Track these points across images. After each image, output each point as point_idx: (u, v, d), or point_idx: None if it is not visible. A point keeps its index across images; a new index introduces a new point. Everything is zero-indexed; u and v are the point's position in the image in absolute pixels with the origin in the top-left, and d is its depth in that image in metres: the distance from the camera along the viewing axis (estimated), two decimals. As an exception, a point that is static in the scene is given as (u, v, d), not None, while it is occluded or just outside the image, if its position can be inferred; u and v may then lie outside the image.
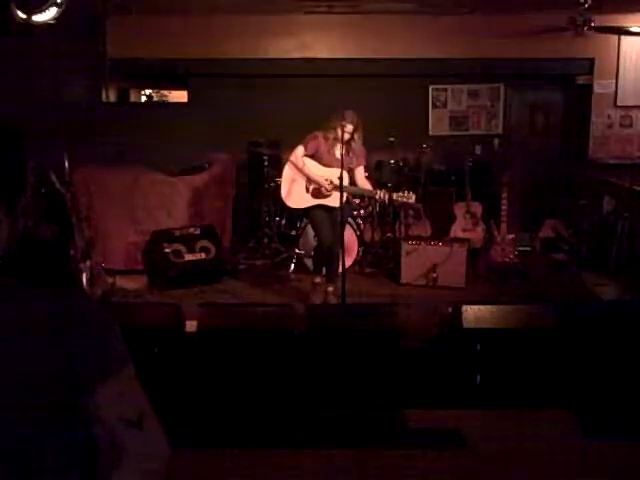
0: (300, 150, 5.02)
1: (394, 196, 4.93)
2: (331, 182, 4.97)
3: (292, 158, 5.07)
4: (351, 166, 4.96)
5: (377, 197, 5.09)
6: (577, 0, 6.04)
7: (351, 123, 4.85)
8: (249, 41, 7.27)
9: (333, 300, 5.12)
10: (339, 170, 4.84)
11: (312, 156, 5.04)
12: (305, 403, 3.65)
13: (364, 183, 5.06)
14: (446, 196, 7.06)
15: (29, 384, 1.06)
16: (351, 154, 4.95)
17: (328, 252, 5.08)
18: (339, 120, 4.86)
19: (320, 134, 5.02)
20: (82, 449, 1.17)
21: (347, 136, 4.88)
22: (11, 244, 1.18)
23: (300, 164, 5.03)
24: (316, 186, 5.04)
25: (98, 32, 7.25)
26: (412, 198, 4.94)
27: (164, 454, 1.20)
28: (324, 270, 5.23)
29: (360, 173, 5.07)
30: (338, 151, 4.96)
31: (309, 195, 5.07)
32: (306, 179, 5.06)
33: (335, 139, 4.93)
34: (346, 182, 4.86)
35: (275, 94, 7.35)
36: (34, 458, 1.09)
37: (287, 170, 5.16)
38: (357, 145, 4.96)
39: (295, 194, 5.11)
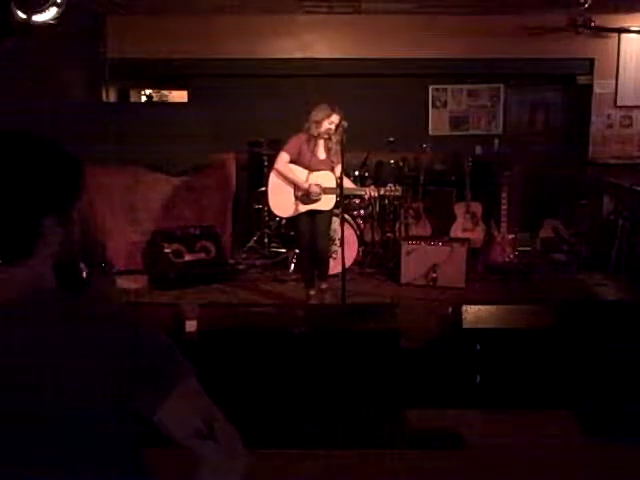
0: (285, 157, 4.84)
1: (382, 191, 4.97)
2: (320, 186, 4.86)
3: (278, 166, 4.88)
4: (332, 165, 4.81)
5: (366, 195, 5.12)
6: (577, 0, 6.04)
7: (340, 115, 4.71)
8: (249, 41, 7.26)
9: (328, 297, 5.11)
10: (325, 173, 4.82)
11: (295, 160, 4.86)
12: (305, 403, 3.65)
13: (345, 181, 4.90)
14: (446, 196, 7.06)
15: (89, 396, 1.07)
16: (332, 153, 4.79)
17: (312, 258, 5.05)
18: (326, 114, 4.72)
19: (301, 135, 4.85)
20: (131, 451, 1.17)
21: (331, 131, 4.72)
22: (66, 254, 1.17)
23: (289, 173, 4.86)
24: (304, 192, 4.88)
25: (98, 32, 7.25)
26: (399, 191, 5.02)
27: (241, 462, 1.20)
28: (314, 277, 5.18)
29: (338, 172, 4.87)
30: (320, 150, 4.87)
31: (299, 202, 4.90)
32: (294, 186, 4.90)
33: (319, 136, 4.79)
34: (334, 184, 4.81)
35: (275, 94, 7.35)
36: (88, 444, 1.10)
37: (273, 178, 4.95)
38: (336, 143, 4.76)
39: (284, 203, 4.93)
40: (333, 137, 4.76)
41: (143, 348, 1.12)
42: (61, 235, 1.13)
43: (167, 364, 1.15)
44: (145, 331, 1.15)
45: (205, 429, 1.14)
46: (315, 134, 4.80)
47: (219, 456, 1.15)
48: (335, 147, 4.79)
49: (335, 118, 4.72)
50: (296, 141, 4.86)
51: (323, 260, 5.10)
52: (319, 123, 4.74)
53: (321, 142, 4.86)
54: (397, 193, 5.05)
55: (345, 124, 4.72)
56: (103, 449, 1.12)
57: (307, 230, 4.98)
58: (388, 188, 4.98)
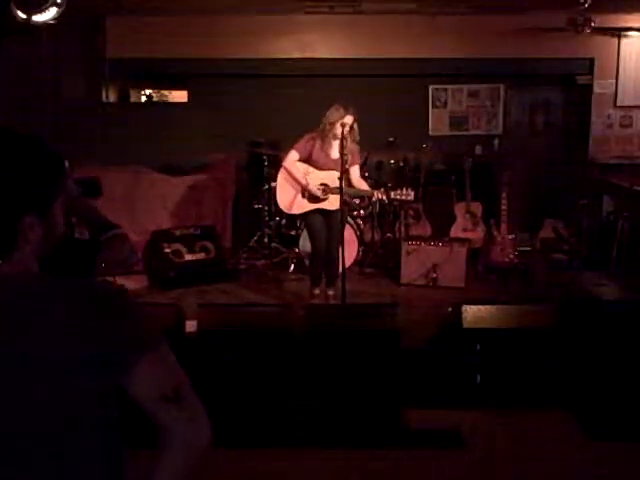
0: (294, 155, 4.83)
1: (392, 194, 4.82)
2: (327, 186, 4.84)
3: (286, 164, 4.89)
4: (346, 166, 4.69)
5: (374, 198, 5.08)
6: (577, 0, 6.04)
7: (353, 116, 4.66)
8: (249, 41, 7.26)
9: (332, 301, 5.09)
10: (335, 172, 4.70)
11: (306, 159, 4.85)
12: (305, 403, 3.65)
13: (360, 183, 4.89)
14: (446, 196, 7.06)
15: (66, 368, 1.08)
16: (346, 152, 4.65)
17: (324, 259, 5.00)
18: (340, 115, 4.65)
19: (314, 135, 4.83)
20: (113, 434, 1.19)
21: (346, 132, 4.63)
22: (48, 248, 1.18)
23: (294, 171, 4.86)
24: (307, 191, 4.88)
25: (98, 32, 7.25)
26: (411, 195, 4.81)
27: (205, 429, 1.21)
28: (322, 277, 5.14)
29: (355, 173, 4.88)
30: (333, 150, 4.79)
31: (305, 200, 4.90)
32: (301, 184, 4.89)
33: (334, 137, 4.71)
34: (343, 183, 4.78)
35: (275, 94, 7.35)
36: (68, 441, 1.12)
37: (281, 176, 4.99)
38: (352, 143, 4.73)
39: (291, 200, 4.94)
40: (348, 137, 4.66)
41: (123, 312, 1.15)
42: (43, 231, 1.14)
43: (141, 330, 1.17)
44: (127, 297, 1.20)
45: (172, 394, 1.16)
46: (329, 135, 4.75)
47: (182, 422, 1.18)
48: (351, 147, 4.72)
49: (348, 119, 4.65)
50: (307, 140, 4.83)
51: (333, 264, 5.03)
52: (333, 124, 4.67)
53: (335, 142, 4.74)
54: (409, 198, 4.83)
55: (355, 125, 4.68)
56: (87, 437, 1.13)
57: (321, 228, 4.95)
58: (399, 192, 4.81)
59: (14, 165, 1.10)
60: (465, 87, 7.81)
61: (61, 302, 1.10)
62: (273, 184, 6.18)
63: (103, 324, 1.11)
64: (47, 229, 1.15)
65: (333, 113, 4.70)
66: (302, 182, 4.87)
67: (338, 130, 4.63)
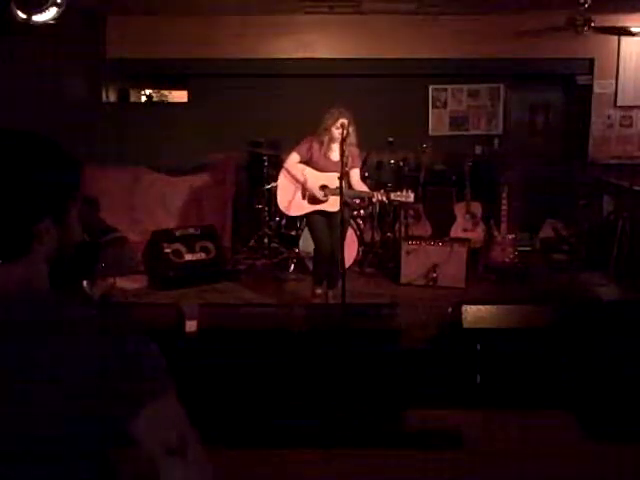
0: (295, 157, 4.88)
1: (392, 196, 4.81)
2: (327, 188, 4.86)
3: (286, 166, 4.94)
4: (346, 168, 4.70)
5: (374, 199, 5.08)
6: (577, 0, 6.04)
7: (347, 119, 4.69)
8: (249, 41, 7.27)
9: (332, 302, 5.09)
10: (335, 174, 4.70)
11: (306, 161, 4.89)
12: (305, 403, 3.65)
13: (360, 185, 4.90)
14: (446, 196, 7.06)
15: (66, 388, 1.05)
16: (346, 155, 4.66)
17: (327, 260, 5.00)
18: (334, 119, 4.71)
19: (314, 138, 4.86)
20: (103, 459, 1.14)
21: (343, 134, 4.64)
22: (62, 252, 1.17)
23: (295, 172, 4.90)
24: (308, 192, 4.91)
25: (98, 32, 7.25)
26: (411, 197, 4.81)
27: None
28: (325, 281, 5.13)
29: (355, 175, 4.90)
30: (333, 153, 4.82)
31: (306, 201, 4.93)
32: (302, 186, 4.93)
33: (330, 140, 4.78)
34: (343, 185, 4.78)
35: (275, 94, 7.35)
36: (61, 459, 1.08)
37: (282, 177, 5.02)
38: (350, 146, 4.75)
39: (292, 201, 4.97)
40: (347, 139, 4.66)
41: (128, 357, 1.10)
42: (57, 235, 1.13)
43: (150, 375, 1.12)
44: (132, 339, 1.13)
45: (176, 445, 1.11)
46: (325, 138, 4.80)
47: (185, 472, 1.12)
48: (350, 150, 4.74)
49: (343, 122, 4.67)
50: (307, 142, 4.87)
51: (335, 265, 4.98)
52: (328, 128, 4.74)
53: (334, 145, 4.79)
54: (409, 199, 4.83)
55: (351, 128, 4.69)
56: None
57: (324, 229, 4.96)
58: (399, 193, 4.80)
59: (30, 168, 1.10)
60: (465, 87, 7.82)
61: (72, 338, 1.07)
62: (273, 184, 6.18)
63: (113, 364, 1.07)
64: (62, 233, 1.14)
65: (328, 118, 4.76)
66: (301, 180, 4.90)
67: (334, 134, 4.71)
